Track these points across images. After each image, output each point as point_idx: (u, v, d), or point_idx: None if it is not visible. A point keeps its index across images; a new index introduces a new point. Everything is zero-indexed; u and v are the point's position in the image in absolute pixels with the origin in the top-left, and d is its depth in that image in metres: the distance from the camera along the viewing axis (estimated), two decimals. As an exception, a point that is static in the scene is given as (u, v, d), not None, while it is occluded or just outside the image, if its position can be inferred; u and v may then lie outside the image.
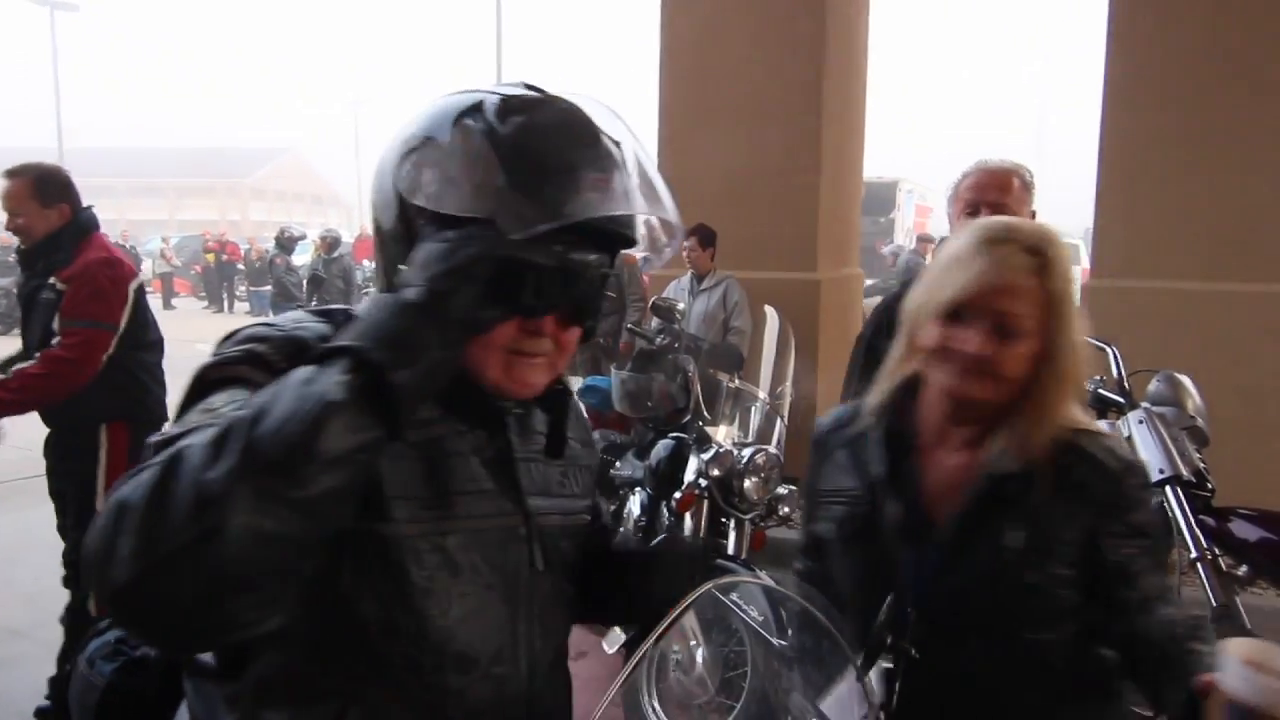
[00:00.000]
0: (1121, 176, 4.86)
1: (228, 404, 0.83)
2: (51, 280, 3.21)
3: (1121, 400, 3.04)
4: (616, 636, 2.79)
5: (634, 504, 3.85)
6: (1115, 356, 3.11)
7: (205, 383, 0.88)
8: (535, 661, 1.04)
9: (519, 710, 1.02)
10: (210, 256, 22.21)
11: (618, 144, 0.93)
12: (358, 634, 0.92)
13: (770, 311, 3.97)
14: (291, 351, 0.88)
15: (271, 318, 1.00)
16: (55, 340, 3.12)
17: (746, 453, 3.53)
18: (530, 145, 0.88)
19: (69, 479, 3.27)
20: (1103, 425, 3.20)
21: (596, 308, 0.97)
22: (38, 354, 3.13)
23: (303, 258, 22.91)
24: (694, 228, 5.42)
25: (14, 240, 3.33)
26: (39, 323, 3.20)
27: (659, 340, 3.80)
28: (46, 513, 3.41)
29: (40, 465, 3.40)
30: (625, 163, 0.92)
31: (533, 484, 1.05)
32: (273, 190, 62.27)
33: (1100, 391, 3.14)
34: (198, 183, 56.54)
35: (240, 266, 21.43)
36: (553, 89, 0.96)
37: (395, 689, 0.94)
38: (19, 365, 3.17)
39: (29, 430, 3.31)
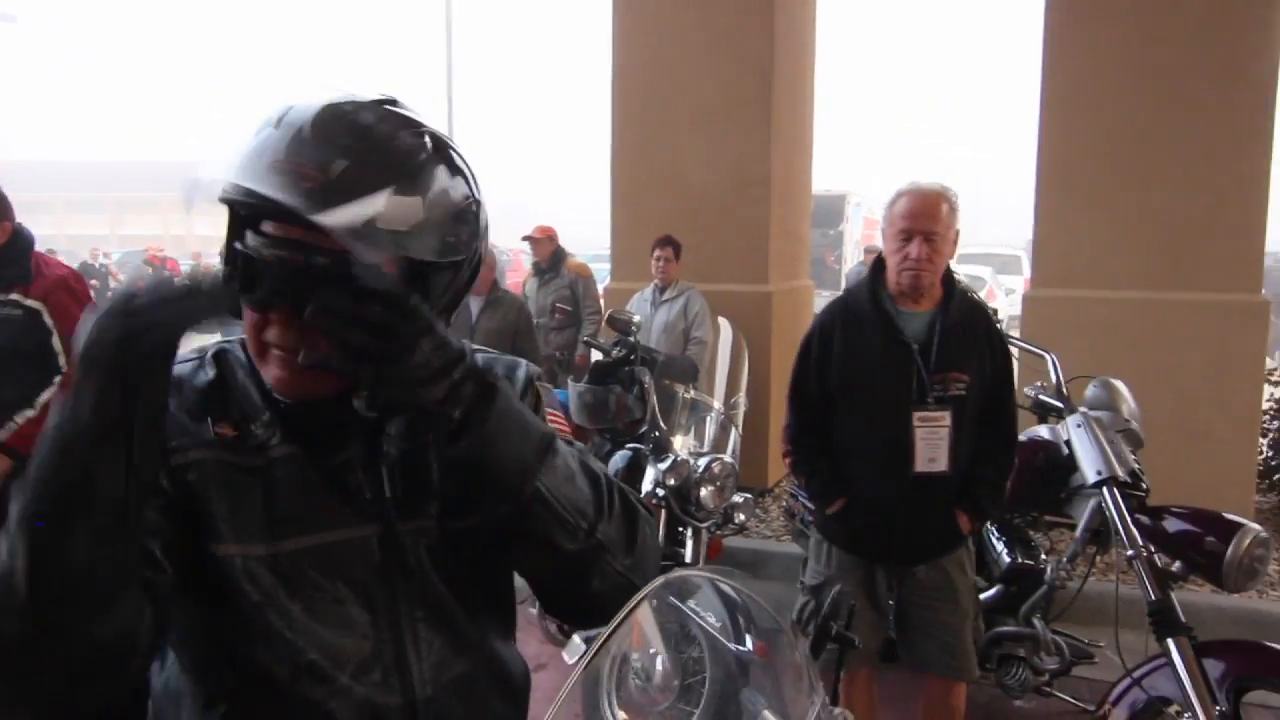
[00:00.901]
0: (1059, 190, 5.04)
1: None
2: (14, 297, 3.15)
3: (1060, 405, 3.16)
4: (576, 646, 2.80)
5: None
6: (1054, 363, 3.24)
7: None
8: (423, 674, 1.04)
9: None
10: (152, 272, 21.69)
11: (364, 152, 0.91)
12: (220, 649, 0.99)
13: (724, 323, 4.04)
14: None
15: None
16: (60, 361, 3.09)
17: (703, 462, 3.58)
18: (266, 134, 0.91)
19: None
20: (1042, 430, 3.33)
21: (329, 297, 0.85)
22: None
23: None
24: (664, 239, 5.44)
25: None
26: (6, 339, 3.12)
27: (615, 352, 3.85)
28: None
29: None
30: (339, 169, 0.88)
31: (405, 492, 1.04)
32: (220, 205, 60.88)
33: (1040, 397, 3.27)
34: (139, 196, 55.25)
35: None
36: (407, 103, 1.00)
37: (264, 700, 1.00)
38: (26, 413, 3.09)
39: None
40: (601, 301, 6.58)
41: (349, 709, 1.01)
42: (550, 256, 6.53)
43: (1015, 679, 3.22)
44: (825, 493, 2.74)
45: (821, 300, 4.27)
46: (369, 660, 1.02)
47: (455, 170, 1.00)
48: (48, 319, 3.27)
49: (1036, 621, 3.15)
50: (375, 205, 0.89)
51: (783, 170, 6.05)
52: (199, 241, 44.31)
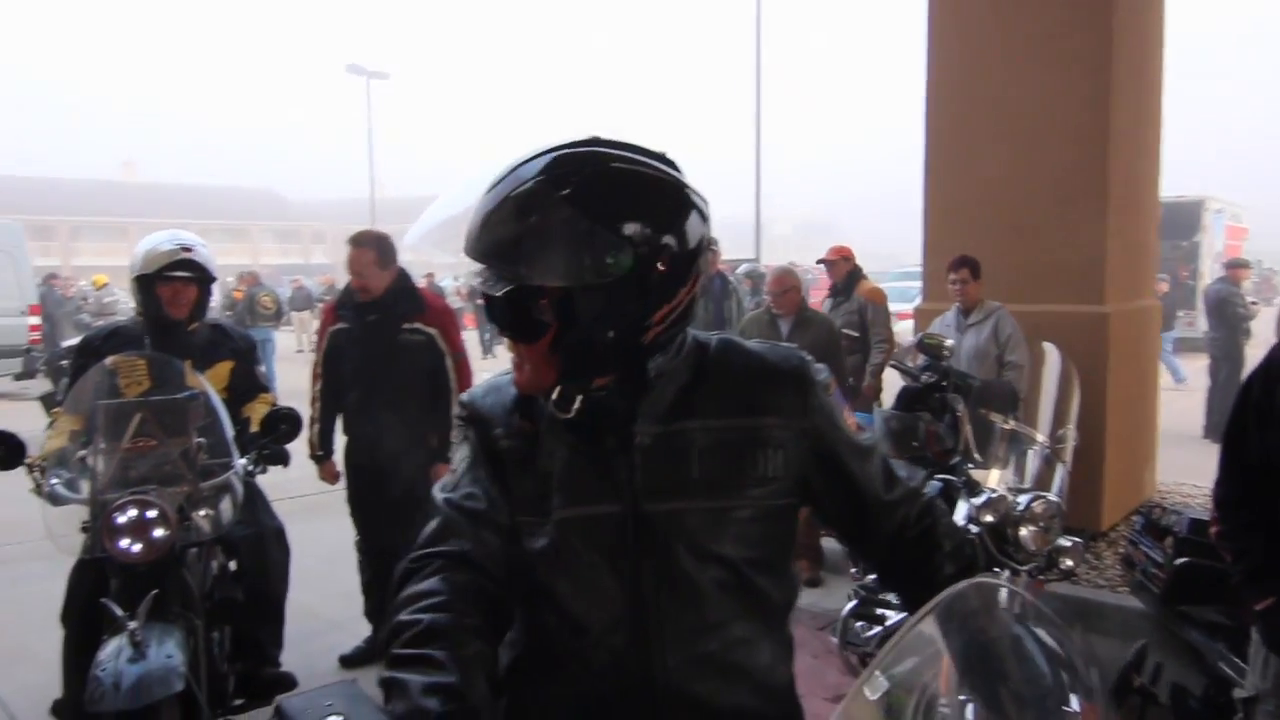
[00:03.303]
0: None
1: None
2: (416, 325, 3.82)
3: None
4: (878, 683, 2.68)
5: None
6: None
7: None
8: (663, 646, 1.18)
9: (641, 687, 1.18)
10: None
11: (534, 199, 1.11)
12: (520, 599, 1.23)
13: (1049, 348, 3.68)
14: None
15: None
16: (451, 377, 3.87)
17: (1024, 499, 3.27)
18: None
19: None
20: None
21: (516, 327, 1.16)
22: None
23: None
24: (961, 259, 5.14)
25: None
26: (407, 360, 3.80)
27: (925, 378, 3.64)
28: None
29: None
30: (493, 215, 1.13)
31: (656, 476, 1.19)
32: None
33: None
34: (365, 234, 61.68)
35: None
36: (616, 139, 1.19)
37: (541, 642, 1.25)
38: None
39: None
40: (896, 326, 6.25)
41: (603, 661, 1.19)
42: (845, 278, 6.30)
43: None
44: (1254, 581, 2.22)
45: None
46: (616, 623, 1.19)
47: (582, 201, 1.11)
48: (441, 343, 3.90)
49: None
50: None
51: (1123, 177, 5.41)
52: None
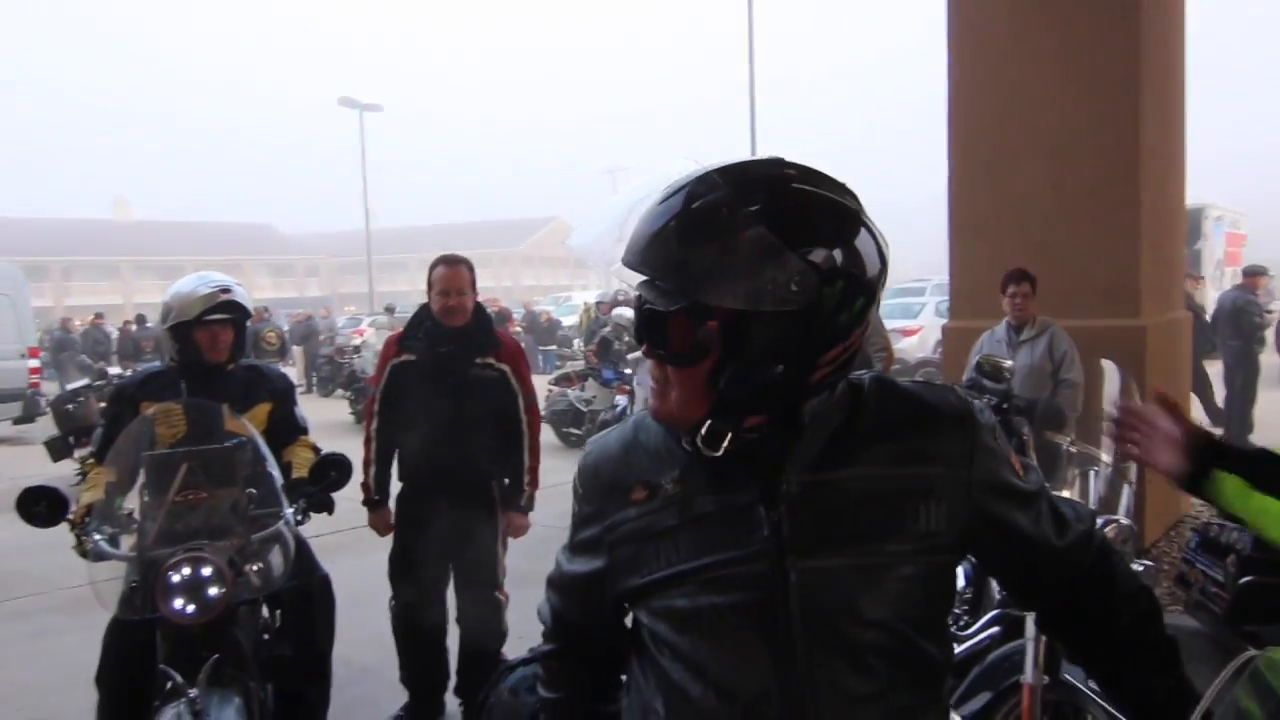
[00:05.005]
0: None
1: None
2: (490, 360, 3.59)
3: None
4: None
5: (959, 574, 3.57)
6: None
7: None
8: (820, 713, 1.06)
9: None
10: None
11: (696, 210, 1.02)
12: (661, 658, 1.15)
13: (1108, 365, 3.56)
14: None
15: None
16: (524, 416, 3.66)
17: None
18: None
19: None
20: None
21: (665, 344, 1.07)
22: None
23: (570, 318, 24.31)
24: (1019, 273, 5.01)
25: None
26: (480, 397, 3.57)
27: (987, 400, 3.53)
28: (383, 559, 3.78)
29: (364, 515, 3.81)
30: (669, 226, 1.02)
31: (805, 530, 1.08)
32: (540, 257, 67.18)
33: None
34: (476, 254, 62.16)
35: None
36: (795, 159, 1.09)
37: (683, 712, 1.13)
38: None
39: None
40: (900, 343, 6.21)
41: None
42: None
43: None
44: None
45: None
46: (767, 691, 1.08)
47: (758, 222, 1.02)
48: (514, 382, 3.66)
49: None
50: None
51: (1153, 191, 5.36)
52: (524, 291, 48.79)
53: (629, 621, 1.25)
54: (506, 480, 3.71)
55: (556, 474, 4.02)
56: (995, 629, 3.06)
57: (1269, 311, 9.29)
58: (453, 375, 3.52)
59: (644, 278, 1.06)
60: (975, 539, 1.16)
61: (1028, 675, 2.54)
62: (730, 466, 1.10)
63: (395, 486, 3.82)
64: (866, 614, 1.08)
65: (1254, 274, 9.77)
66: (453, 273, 3.56)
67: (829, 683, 1.07)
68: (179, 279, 3.18)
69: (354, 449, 3.48)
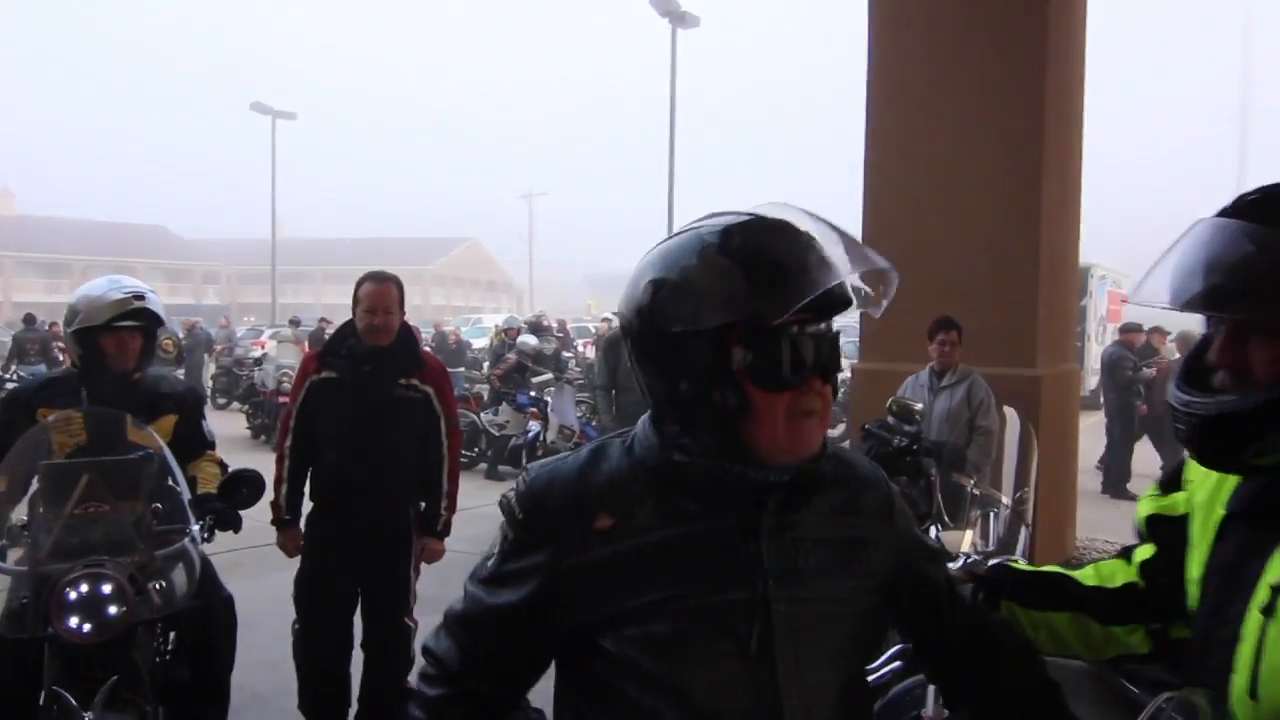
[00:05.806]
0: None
1: None
2: (414, 382, 3.50)
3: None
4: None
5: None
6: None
7: None
8: None
9: None
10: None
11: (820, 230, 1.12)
12: (627, 687, 1.13)
13: (1010, 412, 3.78)
14: None
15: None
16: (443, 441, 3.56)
17: (991, 564, 3.31)
18: (757, 254, 1.08)
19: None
20: None
21: (838, 364, 1.17)
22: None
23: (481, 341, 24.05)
24: (947, 321, 5.16)
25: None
26: (402, 419, 3.45)
27: (897, 442, 3.67)
28: (277, 581, 3.62)
29: (269, 535, 3.66)
30: (825, 242, 1.10)
31: (780, 562, 1.14)
32: (451, 277, 66.35)
33: None
34: (385, 269, 60.81)
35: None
36: (751, 201, 1.19)
37: None
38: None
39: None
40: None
41: None
42: None
43: None
44: None
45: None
46: (757, 713, 1.11)
47: None
48: (437, 405, 3.56)
49: None
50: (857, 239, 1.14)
51: (1050, 247, 5.68)
52: (434, 310, 48.04)
53: (568, 655, 1.20)
54: (423, 504, 3.64)
55: (464, 498, 3.97)
56: (897, 663, 3.15)
57: (1145, 366, 9.89)
58: (375, 395, 3.42)
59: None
60: (897, 585, 1.28)
61: (929, 710, 2.63)
62: (705, 496, 1.15)
63: (306, 506, 3.68)
64: (837, 644, 1.18)
65: (1130, 330, 10.45)
66: (381, 290, 3.47)
67: (804, 708, 1.13)
68: (64, 278, 3.04)
69: (251, 464, 3.27)
